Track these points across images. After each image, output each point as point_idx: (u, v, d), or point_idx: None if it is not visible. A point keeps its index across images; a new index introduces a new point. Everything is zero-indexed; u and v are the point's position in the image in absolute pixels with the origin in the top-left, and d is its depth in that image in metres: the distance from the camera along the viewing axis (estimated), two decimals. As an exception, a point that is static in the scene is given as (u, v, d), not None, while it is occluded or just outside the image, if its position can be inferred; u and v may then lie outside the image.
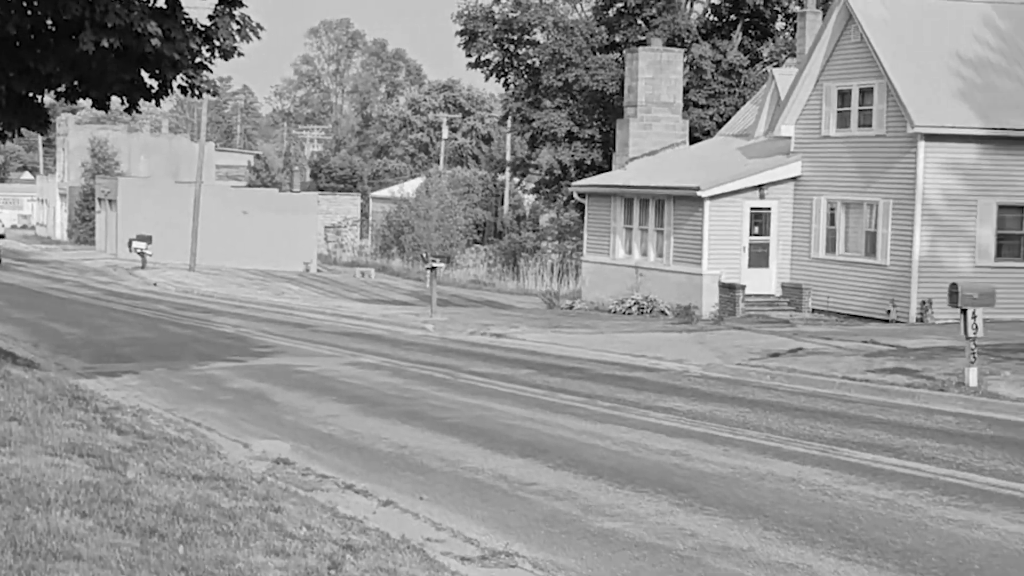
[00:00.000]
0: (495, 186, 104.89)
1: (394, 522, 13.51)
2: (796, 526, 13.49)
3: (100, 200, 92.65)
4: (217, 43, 24.33)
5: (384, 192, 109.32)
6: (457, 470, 16.69)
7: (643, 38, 62.81)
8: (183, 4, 23.81)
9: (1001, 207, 41.23)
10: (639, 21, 68.22)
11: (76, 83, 24.56)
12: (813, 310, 44.15)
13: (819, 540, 13.04)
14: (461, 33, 71.67)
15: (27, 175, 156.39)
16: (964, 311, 23.80)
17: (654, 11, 66.97)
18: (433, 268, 43.38)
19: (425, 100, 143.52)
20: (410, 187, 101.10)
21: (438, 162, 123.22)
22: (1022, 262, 41.38)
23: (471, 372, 27.61)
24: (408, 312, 45.82)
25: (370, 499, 14.76)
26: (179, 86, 24.92)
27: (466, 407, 22.28)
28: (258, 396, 23.56)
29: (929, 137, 40.33)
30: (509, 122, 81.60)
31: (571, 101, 68.23)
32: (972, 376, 23.77)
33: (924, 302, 40.07)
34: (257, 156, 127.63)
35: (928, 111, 40.41)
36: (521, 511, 14.43)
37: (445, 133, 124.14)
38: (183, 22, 23.69)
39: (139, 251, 73.50)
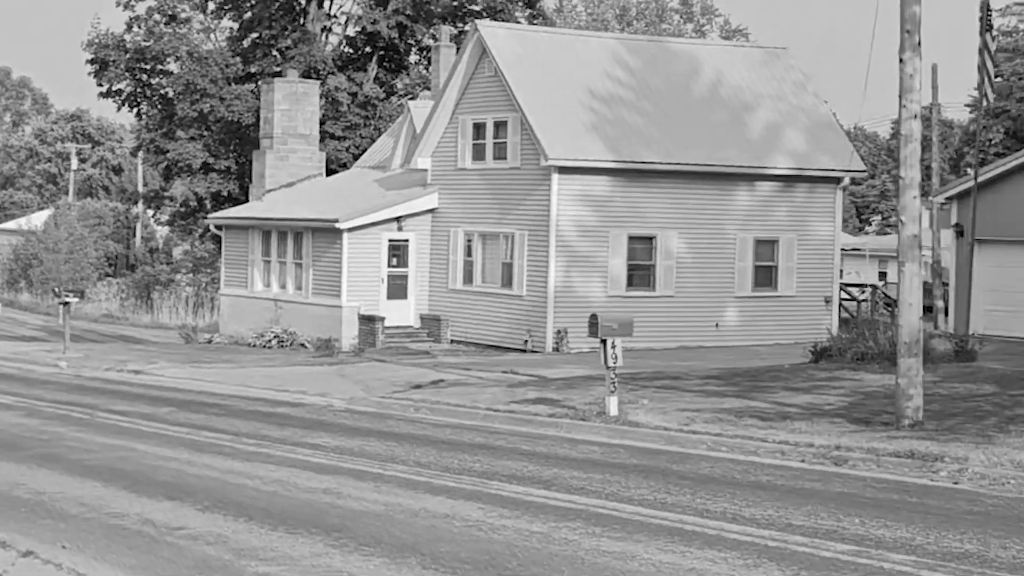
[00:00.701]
0: (127, 218, 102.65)
1: (35, 574, 12.92)
2: (454, 564, 13.40)
3: None
4: None
5: (11, 224, 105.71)
6: (101, 515, 16.08)
7: (279, 69, 62.47)
8: None
9: (632, 238, 42.37)
10: (274, 52, 67.78)
11: None
12: (452, 341, 44.51)
13: (477, 577, 13.00)
14: (92, 62, 69.81)
15: None
16: (604, 341, 24.23)
17: (289, 42, 66.64)
18: (66, 303, 42.06)
19: (53, 130, 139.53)
20: (38, 219, 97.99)
21: (67, 193, 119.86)
22: (652, 291, 42.60)
23: (110, 411, 26.80)
24: (40, 348, 44.29)
25: (8, 550, 14.08)
26: None
27: (107, 448, 21.57)
28: None
29: (562, 170, 41.17)
30: (142, 153, 79.89)
31: (206, 132, 67.22)
32: (613, 405, 24.22)
33: (560, 331, 40.82)
34: None
35: (561, 144, 41.24)
36: (170, 557, 13.96)
37: (74, 164, 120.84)
38: None
39: None
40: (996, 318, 44.56)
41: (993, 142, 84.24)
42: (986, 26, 39.45)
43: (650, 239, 42.64)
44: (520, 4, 68.99)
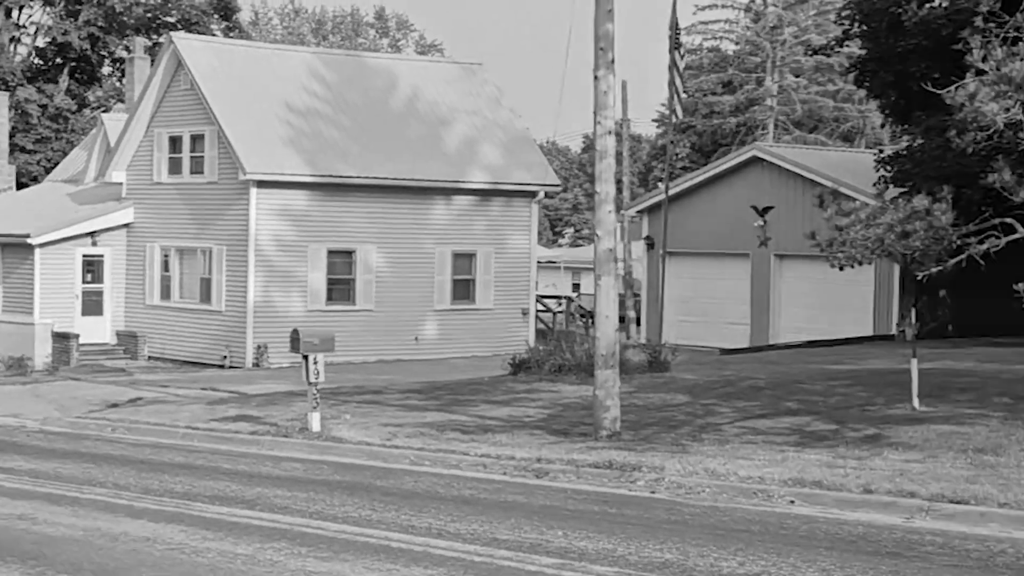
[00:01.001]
0: None
1: None
2: (157, 588, 13.19)
3: None
4: None
5: None
6: None
7: (-36, 80, 60.69)
8: None
9: (331, 252, 42.35)
10: (-40, 62, 65.83)
11: None
12: (150, 357, 43.80)
13: (182, 601, 12.78)
14: None
15: None
16: (306, 357, 24.09)
17: (-25, 52, 64.81)
18: None
19: None
20: None
21: None
22: (351, 305, 42.63)
23: None
24: None
25: None
26: None
27: None
28: None
29: (260, 184, 40.92)
30: None
31: None
32: (315, 421, 24.11)
33: (260, 347, 40.52)
34: None
35: (259, 158, 40.98)
36: None
37: None
38: None
39: None
40: (687, 328, 45.88)
41: (680, 156, 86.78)
42: (675, 44, 40.57)
43: (350, 253, 42.66)
44: (216, 17, 68.33)
